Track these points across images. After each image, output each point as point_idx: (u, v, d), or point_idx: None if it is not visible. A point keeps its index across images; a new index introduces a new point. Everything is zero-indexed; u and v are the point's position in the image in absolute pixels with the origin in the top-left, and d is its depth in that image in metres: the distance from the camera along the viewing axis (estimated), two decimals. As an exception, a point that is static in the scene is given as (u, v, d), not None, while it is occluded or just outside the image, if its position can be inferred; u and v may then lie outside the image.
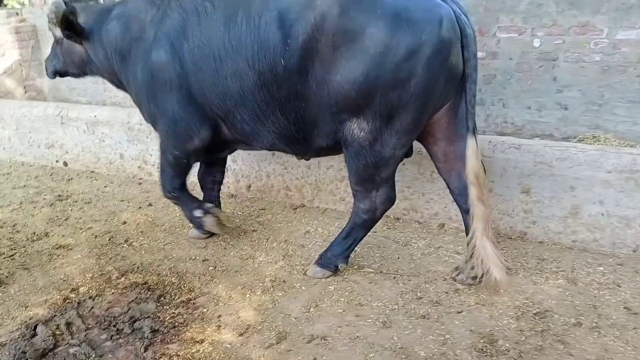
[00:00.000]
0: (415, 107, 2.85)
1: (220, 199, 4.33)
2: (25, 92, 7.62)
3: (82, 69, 4.11)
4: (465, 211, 3.22)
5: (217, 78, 3.20)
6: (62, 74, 4.24)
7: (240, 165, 5.01)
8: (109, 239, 4.19)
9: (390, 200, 3.24)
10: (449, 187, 3.33)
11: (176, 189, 3.79)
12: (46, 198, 5.15)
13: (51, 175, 5.90)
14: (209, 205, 3.88)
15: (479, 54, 3.38)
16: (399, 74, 2.75)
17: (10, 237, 4.27)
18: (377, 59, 2.75)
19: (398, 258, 3.72)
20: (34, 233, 4.31)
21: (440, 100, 2.99)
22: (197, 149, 3.58)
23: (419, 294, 3.26)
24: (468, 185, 3.05)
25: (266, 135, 3.33)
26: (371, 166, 3.05)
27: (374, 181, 3.13)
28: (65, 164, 6.09)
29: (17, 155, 6.53)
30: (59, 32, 3.83)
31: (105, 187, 5.44)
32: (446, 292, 3.25)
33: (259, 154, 4.76)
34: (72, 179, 5.76)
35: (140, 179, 5.60)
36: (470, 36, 2.85)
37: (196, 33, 3.23)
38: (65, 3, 3.63)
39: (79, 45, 3.89)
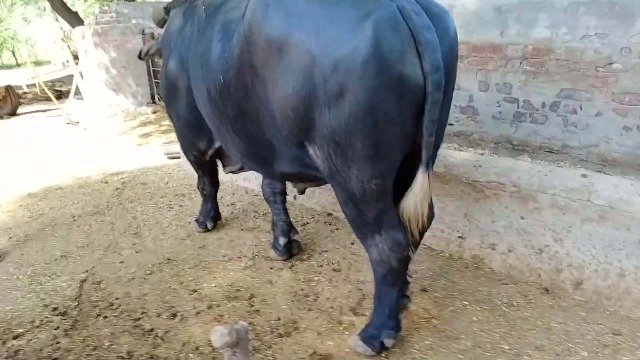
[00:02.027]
0: (365, 130, 2.26)
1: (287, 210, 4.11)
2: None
3: None
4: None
5: (197, 90, 3.29)
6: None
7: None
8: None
9: (399, 244, 2.61)
10: None
11: (205, 188, 4.46)
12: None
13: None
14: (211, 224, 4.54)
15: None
16: (328, 89, 2.25)
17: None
18: (304, 73, 2.30)
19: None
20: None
21: (406, 122, 2.33)
22: (207, 152, 3.92)
23: None
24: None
25: (234, 152, 3.29)
26: (350, 203, 2.57)
27: (366, 223, 2.60)
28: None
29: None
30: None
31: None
32: None
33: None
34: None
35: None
36: (431, 43, 2.19)
37: (192, 44, 3.33)
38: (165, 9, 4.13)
39: None
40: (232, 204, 5.21)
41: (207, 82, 3.00)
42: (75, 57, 10.81)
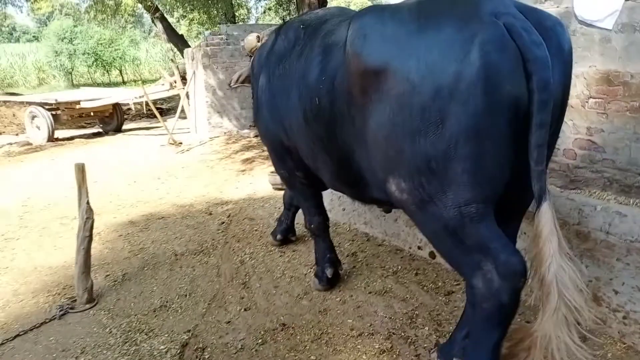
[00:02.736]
0: (466, 155, 2.10)
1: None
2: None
3: None
4: None
5: (287, 109, 3.21)
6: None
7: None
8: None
9: (514, 272, 2.16)
10: None
11: (312, 220, 3.88)
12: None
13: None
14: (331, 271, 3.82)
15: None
16: (427, 117, 2.11)
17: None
18: (402, 100, 2.18)
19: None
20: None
21: (510, 146, 2.13)
22: (294, 170, 3.63)
23: None
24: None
25: (324, 173, 3.20)
26: (445, 232, 2.29)
27: (469, 250, 2.25)
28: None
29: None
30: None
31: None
32: None
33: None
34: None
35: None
36: (540, 59, 1.99)
37: (288, 63, 3.25)
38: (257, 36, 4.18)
39: None
40: (352, 255, 4.43)
41: (304, 102, 2.95)
42: (183, 78, 10.69)
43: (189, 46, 16.21)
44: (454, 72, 2.03)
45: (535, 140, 2.06)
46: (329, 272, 3.79)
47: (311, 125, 2.94)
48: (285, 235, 4.67)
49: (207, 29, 21.40)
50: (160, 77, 25.52)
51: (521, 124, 2.08)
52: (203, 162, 8.40)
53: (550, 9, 3.96)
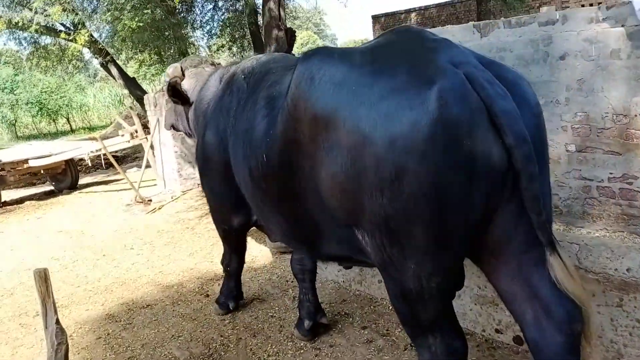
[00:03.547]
0: (425, 217, 1.94)
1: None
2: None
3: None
4: None
5: (235, 165, 3.10)
6: (175, 128, 4.72)
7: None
8: None
9: (455, 352, 2.20)
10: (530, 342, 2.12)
11: (230, 265, 4.13)
12: None
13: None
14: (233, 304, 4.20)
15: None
16: (382, 170, 1.94)
17: None
18: (354, 151, 2.02)
19: None
20: None
21: (476, 208, 1.97)
22: (240, 228, 3.72)
23: None
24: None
25: (276, 232, 3.10)
26: (403, 300, 2.20)
27: (420, 324, 2.21)
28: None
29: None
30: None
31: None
32: None
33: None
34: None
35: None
36: (509, 112, 1.89)
37: (232, 118, 3.18)
38: (180, 67, 4.20)
39: None
40: (346, 315, 3.54)
41: (249, 160, 2.82)
42: (145, 126, 9.64)
43: (142, 90, 15.12)
44: (410, 121, 1.86)
45: (529, 193, 1.93)
46: (231, 305, 4.18)
47: (259, 183, 2.78)
48: (314, 321, 3.69)
49: (155, 71, 20.35)
50: (112, 123, 24.27)
51: (488, 183, 1.93)
52: (180, 222, 7.32)
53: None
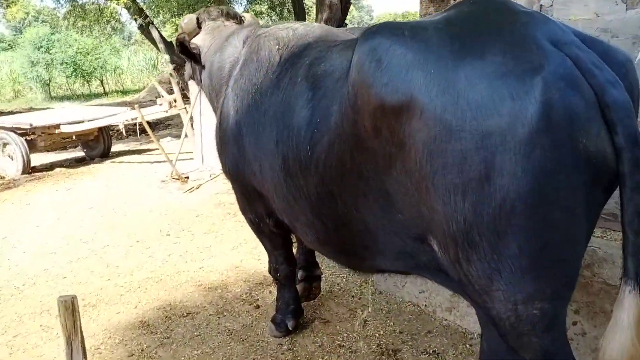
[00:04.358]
0: (525, 228, 1.56)
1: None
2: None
3: None
4: None
5: (258, 149, 2.67)
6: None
7: None
8: None
9: None
10: None
11: (278, 269, 3.48)
12: None
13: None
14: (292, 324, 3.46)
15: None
16: (467, 170, 1.58)
17: None
18: (433, 146, 1.65)
19: None
20: None
21: (589, 218, 1.67)
22: (265, 217, 3.12)
23: None
24: None
25: (308, 236, 2.63)
26: (492, 333, 1.79)
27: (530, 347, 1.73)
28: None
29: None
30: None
31: None
32: None
33: None
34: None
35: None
36: (622, 105, 1.54)
37: (259, 93, 2.70)
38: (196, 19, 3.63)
39: None
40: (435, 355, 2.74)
41: (285, 149, 2.39)
42: (184, 96, 8.93)
43: (179, 55, 14.44)
44: (509, 113, 1.54)
45: (632, 207, 1.59)
46: (290, 324, 3.46)
47: (294, 178, 2.40)
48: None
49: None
50: (144, 87, 23.71)
51: (603, 188, 1.67)
52: (221, 206, 6.61)
53: None
